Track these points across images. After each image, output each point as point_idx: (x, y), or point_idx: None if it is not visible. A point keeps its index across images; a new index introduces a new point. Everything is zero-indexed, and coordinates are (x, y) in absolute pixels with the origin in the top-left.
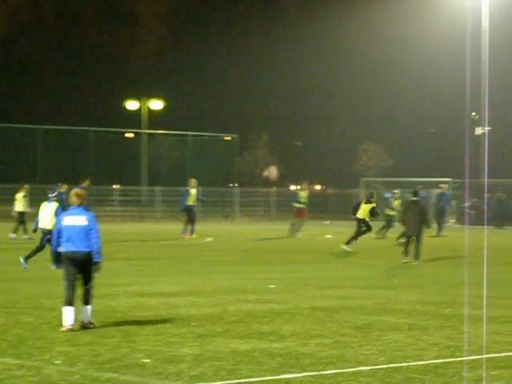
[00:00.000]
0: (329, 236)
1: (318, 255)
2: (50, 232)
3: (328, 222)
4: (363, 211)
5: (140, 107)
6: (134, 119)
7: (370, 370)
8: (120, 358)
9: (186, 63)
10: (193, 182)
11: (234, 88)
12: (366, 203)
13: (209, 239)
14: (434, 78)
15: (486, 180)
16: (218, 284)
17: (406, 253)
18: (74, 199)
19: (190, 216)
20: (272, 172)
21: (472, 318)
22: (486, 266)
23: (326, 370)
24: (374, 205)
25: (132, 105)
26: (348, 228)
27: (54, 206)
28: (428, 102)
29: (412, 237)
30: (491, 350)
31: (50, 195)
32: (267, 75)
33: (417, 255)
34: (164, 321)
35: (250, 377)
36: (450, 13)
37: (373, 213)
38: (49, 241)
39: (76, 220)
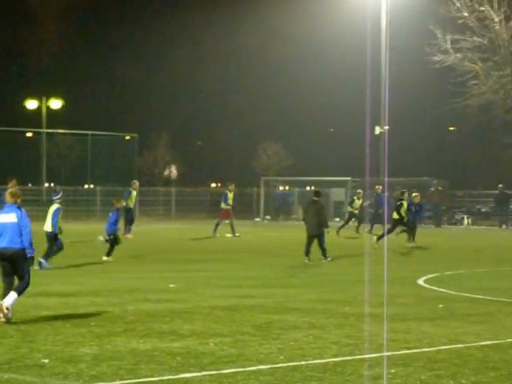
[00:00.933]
0: (228, 235)
1: (218, 254)
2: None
3: (228, 221)
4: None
5: (39, 106)
6: (33, 118)
7: (270, 368)
8: (19, 359)
9: (85, 62)
10: (136, 183)
11: (133, 87)
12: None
13: (100, 238)
14: (333, 77)
15: (386, 179)
16: (117, 283)
17: (307, 252)
18: (8, 198)
19: (129, 216)
20: (172, 171)
21: (371, 316)
22: (387, 264)
23: (226, 368)
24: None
25: (31, 104)
26: (251, 227)
27: (54, 207)
28: (327, 101)
29: (314, 236)
30: (389, 347)
31: (53, 197)
32: (168, 74)
33: (324, 253)
34: (63, 321)
35: (150, 376)
36: (349, 12)
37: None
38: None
39: (7, 217)
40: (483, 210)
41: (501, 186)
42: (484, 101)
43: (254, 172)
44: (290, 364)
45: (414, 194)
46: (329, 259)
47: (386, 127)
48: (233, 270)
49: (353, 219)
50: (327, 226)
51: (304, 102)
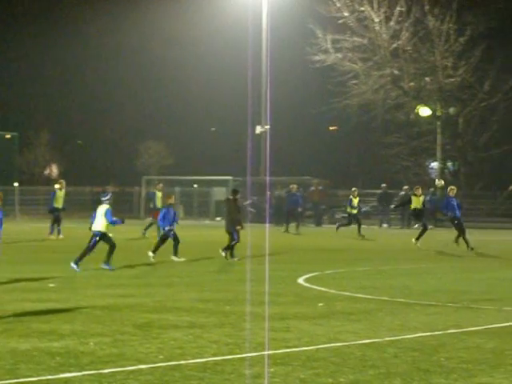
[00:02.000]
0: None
1: (100, 254)
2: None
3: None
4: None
5: None
6: None
7: (149, 368)
8: None
9: None
10: (63, 183)
11: (12, 85)
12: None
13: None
14: (215, 77)
15: (267, 178)
16: None
17: (225, 250)
18: None
19: (56, 217)
20: (52, 170)
21: (251, 315)
22: (268, 263)
23: (106, 368)
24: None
25: None
26: (136, 226)
27: (104, 207)
28: (209, 100)
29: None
30: (269, 346)
31: (102, 198)
32: (47, 72)
33: (231, 252)
34: None
35: (29, 376)
36: (231, 11)
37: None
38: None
39: None
40: (364, 209)
41: (384, 185)
42: (364, 100)
43: (135, 171)
44: (170, 363)
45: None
46: (236, 259)
47: (267, 126)
48: (114, 270)
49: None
50: (241, 225)
51: (186, 101)
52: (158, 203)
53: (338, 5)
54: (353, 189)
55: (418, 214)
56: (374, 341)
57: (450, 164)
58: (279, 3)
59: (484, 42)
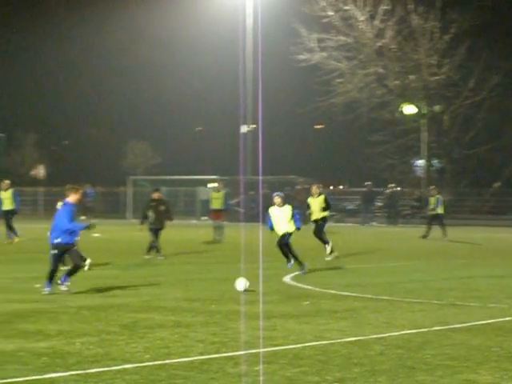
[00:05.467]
0: (97, 234)
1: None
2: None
3: (96, 221)
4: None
5: None
6: None
7: (136, 367)
8: None
9: None
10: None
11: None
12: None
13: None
14: (201, 76)
15: (260, 177)
16: None
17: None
18: None
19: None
20: (39, 171)
21: (237, 313)
22: (254, 262)
23: (92, 368)
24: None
25: None
26: (121, 226)
27: None
28: (195, 100)
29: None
30: (255, 345)
31: None
32: (34, 73)
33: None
34: None
35: (16, 377)
36: (216, 10)
37: None
38: None
39: None
40: (350, 207)
41: (369, 183)
42: (349, 99)
43: (121, 171)
44: (156, 363)
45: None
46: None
47: (253, 125)
48: (99, 270)
49: None
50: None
51: (172, 101)
52: (214, 204)
53: (323, 4)
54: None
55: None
56: (360, 338)
57: (435, 162)
58: (264, 3)
59: (468, 40)
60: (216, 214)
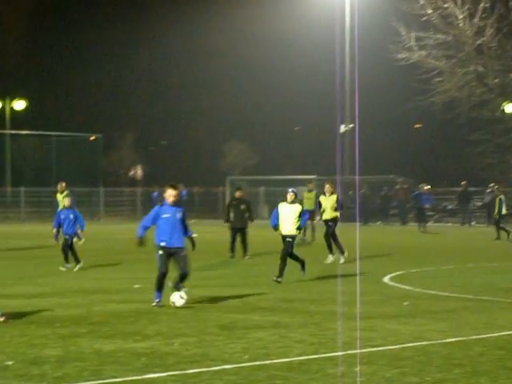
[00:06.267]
0: (195, 235)
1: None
2: None
3: (194, 221)
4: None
5: (3, 107)
6: None
7: (234, 368)
8: None
9: (49, 63)
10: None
11: (97, 87)
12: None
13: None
14: (298, 76)
15: (357, 177)
16: (82, 284)
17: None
18: None
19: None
20: (137, 172)
21: (336, 314)
22: (353, 262)
23: (190, 369)
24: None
25: None
26: (220, 227)
27: None
28: (293, 99)
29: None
30: (354, 346)
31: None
32: (131, 73)
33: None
34: (27, 322)
35: (114, 377)
36: (314, 10)
37: None
38: None
39: None
40: (449, 207)
41: (464, 182)
42: (448, 98)
43: (219, 171)
44: (255, 363)
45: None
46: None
47: (351, 125)
48: (198, 270)
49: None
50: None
51: (270, 100)
52: (306, 204)
53: (422, 2)
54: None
55: None
56: (460, 339)
57: None
58: (363, 2)
59: None
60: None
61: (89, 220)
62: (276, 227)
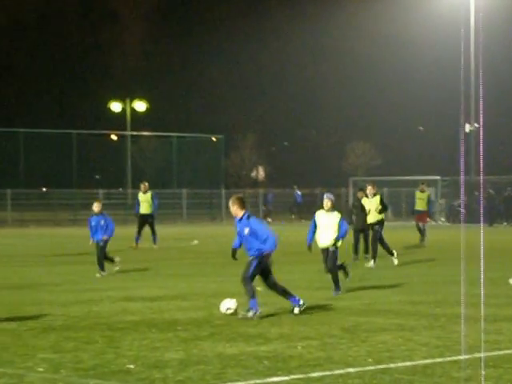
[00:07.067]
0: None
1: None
2: None
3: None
4: None
5: (124, 108)
6: (117, 121)
7: (358, 371)
8: (104, 364)
9: (169, 63)
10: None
11: (219, 88)
12: None
13: (195, 242)
14: (422, 75)
15: (481, 178)
16: (204, 287)
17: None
18: None
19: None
20: (259, 172)
21: (461, 317)
22: (478, 264)
23: (314, 372)
24: None
25: (116, 106)
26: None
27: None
28: (416, 99)
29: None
30: (479, 349)
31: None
32: (253, 74)
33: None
34: (149, 325)
35: (237, 381)
36: (441, 9)
37: None
38: None
39: None
40: None
41: None
42: None
43: (341, 172)
44: (379, 367)
45: None
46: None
47: (477, 125)
48: (321, 272)
49: None
50: None
51: (393, 100)
52: (418, 205)
53: None
54: None
55: None
56: None
57: None
58: (487, 1)
59: None
60: (420, 216)
61: (210, 222)
62: (310, 247)
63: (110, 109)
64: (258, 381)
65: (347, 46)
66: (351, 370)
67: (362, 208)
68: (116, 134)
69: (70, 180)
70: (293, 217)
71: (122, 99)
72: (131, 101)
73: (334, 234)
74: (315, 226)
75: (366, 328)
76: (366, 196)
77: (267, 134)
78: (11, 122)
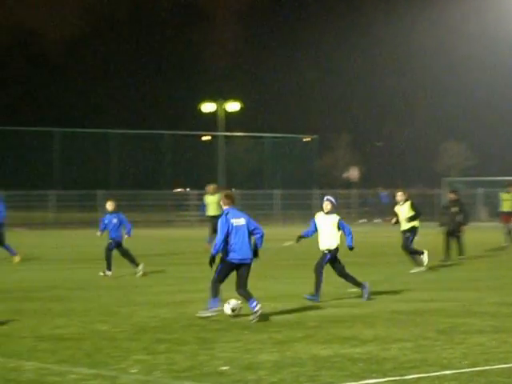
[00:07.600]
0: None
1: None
2: None
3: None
4: None
5: (216, 109)
6: (210, 121)
7: (454, 373)
8: (197, 366)
9: (262, 63)
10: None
11: (312, 88)
12: None
13: (288, 243)
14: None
15: None
16: (298, 289)
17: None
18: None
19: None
20: (353, 173)
21: None
22: None
23: (409, 374)
24: None
25: (208, 107)
26: (428, 229)
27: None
28: None
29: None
30: None
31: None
32: (346, 74)
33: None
34: (242, 327)
35: (331, 383)
36: None
37: None
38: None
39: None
40: None
41: None
42: None
43: (433, 172)
44: (475, 369)
45: None
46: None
47: None
48: (415, 275)
49: None
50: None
51: (488, 99)
52: (504, 206)
53: None
54: None
55: None
56: None
57: None
58: None
59: None
60: (506, 217)
61: (302, 223)
62: (300, 238)
63: (200, 109)
64: (352, 383)
65: (440, 44)
66: (447, 372)
67: (451, 209)
68: (209, 135)
69: (161, 181)
70: (365, 220)
71: (214, 100)
72: (224, 101)
73: (333, 236)
74: (315, 226)
75: (462, 330)
76: (398, 203)
77: (362, 134)
78: (103, 124)
